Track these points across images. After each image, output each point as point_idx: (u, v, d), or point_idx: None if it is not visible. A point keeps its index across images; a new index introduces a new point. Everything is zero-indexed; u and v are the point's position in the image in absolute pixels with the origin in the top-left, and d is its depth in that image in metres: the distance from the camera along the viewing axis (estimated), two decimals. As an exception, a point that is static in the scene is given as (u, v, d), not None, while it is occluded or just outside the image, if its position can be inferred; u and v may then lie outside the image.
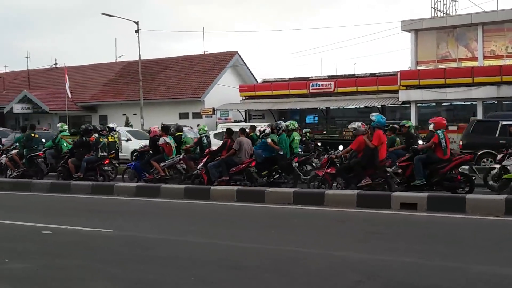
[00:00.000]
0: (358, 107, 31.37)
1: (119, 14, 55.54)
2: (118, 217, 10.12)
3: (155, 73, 39.37)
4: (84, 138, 14.92)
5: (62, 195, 13.13)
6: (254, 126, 15.44)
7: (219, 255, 6.74)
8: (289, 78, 35.99)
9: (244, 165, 13.08)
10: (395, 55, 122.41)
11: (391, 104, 30.35)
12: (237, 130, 14.43)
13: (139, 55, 32.77)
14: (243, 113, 35.58)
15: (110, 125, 17.82)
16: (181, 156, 14.62)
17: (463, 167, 11.81)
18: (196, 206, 11.17)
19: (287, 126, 14.27)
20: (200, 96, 35.54)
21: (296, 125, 15.29)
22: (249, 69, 39.90)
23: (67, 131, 17.43)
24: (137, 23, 31.86)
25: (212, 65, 38.29)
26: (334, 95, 32.64)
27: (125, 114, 36.38)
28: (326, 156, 12.76)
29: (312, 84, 33.44)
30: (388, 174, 11.53)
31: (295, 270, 5.96)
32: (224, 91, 35.53)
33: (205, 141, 14.99)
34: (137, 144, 19.98)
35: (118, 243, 7.58)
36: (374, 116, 11.96)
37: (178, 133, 15.78)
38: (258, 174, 13.20)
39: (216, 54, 39.98)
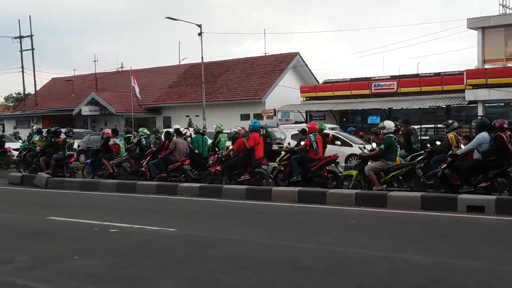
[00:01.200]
0: (422, 107, 30.67)
1: (183, 17, 56.64)
2: (181, 217, 10.31)
3: (217, 75, 39.85)
4: (52, 139, 16.81)
5: (128, 194, 13.50)
6: (179, 130, 16.50)
7: (282, 255, 6.75)
8: (351, 79, 35.65)
9: (179, 163, 14.68)
10: (461, 54, 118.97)
11: (457, 104, 29.56)
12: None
13: (202, 57, 33.30)
14: (304, 114, 35.50)
15: (175, 126, 18.16)
16: (126, 156, 16.45)
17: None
18: (258, 206, 11.21)
19: (215, 127, 16.51)
20: (261, 98, 35.71)
21: (222, 127, 16.74)
22: (310, 70, 39.79)
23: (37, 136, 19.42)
24: (200, 26, 32.40)
25: (273, 66, 38.40)
26: (397, 95, 32.11)
27: (188, 116, 37.02)
28: (216, 156, 14.63)
29: (375, 84, 33.02)
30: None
31: (359, 273, 5.90)
32: (285, 92, 35.56)
33: (144, 142, 16.30)
34: None
35: (182, 242, 7.72)
36: (250, 121, 14.14)
37: (128, 135, 18.17)
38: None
39: (277, 55, 40.08)
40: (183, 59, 49.15)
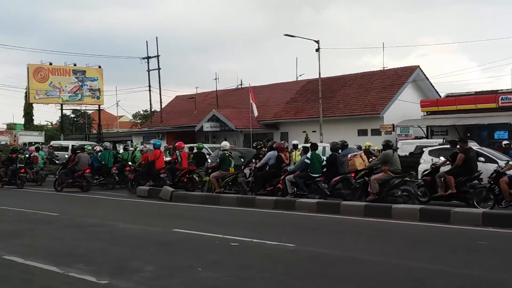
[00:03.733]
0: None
1: (300, 33, 57.16)
2: (300, 232, 10.36)
3: (335, 90, 39.68)
4: (9, 155, 22.64)
5: (248, 209, 13.80)
6: (83, 147, 22.48)
7: (404, 275, 6.58)
8: (476, 92, 33.97)
9: (81, 172, 19.26)
10: None
11: None
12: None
13: (319, 73, 33.40)
14: (425, 129, 34.31)
15: (293, 142, 18.38)
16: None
17: None
18: (375, 224, 11.01)
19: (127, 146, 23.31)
20: (379, 113, 35.04)
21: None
22: (431, 84, 38.46)
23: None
24: (317, 42, 32.52)
25: (392, 80, 37.58)
26: (527, 109, 30.10)
27: (305, 131, 37.16)
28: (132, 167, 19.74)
29: (502, 97, 31.17)
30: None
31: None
32: (404, 107, 34.63)
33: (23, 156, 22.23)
34: None
35: (301, 258, 7.76)
36: (152, 140, 19.85)
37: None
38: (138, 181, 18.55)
39: (396, 69, 39.20)
40: (300, 75, 49.55)
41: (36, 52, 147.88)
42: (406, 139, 30.81)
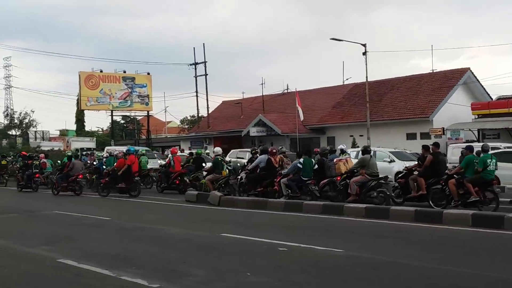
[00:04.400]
0: None
1: (346, 37, 56.72)
2: (349, 237, 10.28)
3: (382, 94, 39.22)
4: (26, 161, 24.81)
5: (295, 214, 13.77)
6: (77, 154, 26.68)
7: (455, 282, 6.44)
8: (530, 94, 32.99)
9: (74, 177, 20.90)
10: None
11: None
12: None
13: (366, 76, 33.07)
14: (476, 133, 33.49)
15: (340, 147, 18.29)
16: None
17: None
18: (427, 230, 10.82)
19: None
20: (429, 116, 34.44)
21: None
22: (482, 86, 37.56)
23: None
24: (364, 45, 32.26)
25: (441, 83, 36.87)
26: None
27: (352, 136, 36.85)
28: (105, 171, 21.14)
29: (559, 99, 30.15)
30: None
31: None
32: (454, 110, 33.94)
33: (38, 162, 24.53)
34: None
35: (350, 263, 7.70)
36: (128, 147, 22.70)
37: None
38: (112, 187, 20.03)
39: (445, 72, 38.48)
40: (347, 79, 49.27)
41: (86, 60, 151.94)
42: (457, 143, 30.14)
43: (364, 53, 32.32)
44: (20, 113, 60.42)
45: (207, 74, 51.21)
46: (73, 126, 69.73)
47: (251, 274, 7.09)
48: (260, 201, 15.52)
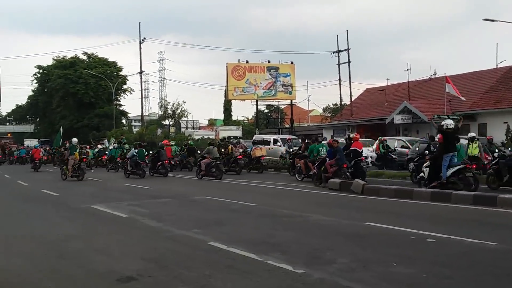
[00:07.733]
0: None
1: (501, 17, 52.90)
2: (502, 230, 9.67)
3: (542, 77, 36.11)
4: (159, 149, 28.08)
5: (442, 204, 13.22)
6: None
7: None
8: None
9: (160, 162, 26.41)
10: None
11: None
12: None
13: (523, 58, 30.63)
14: None
15: (469, 135, 17.74)
16: None
17: None
18: None
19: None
20: None
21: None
22: None
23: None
24: (520, 24, 29.87)
25: None
26: None
27: (506, 122, 34.41)
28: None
29: None
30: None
31: None
32: None
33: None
34: None
35: (504, 258, 7.26)
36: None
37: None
38: None
39: None
40: (501, 62, 46.03)
41: (232, 52, 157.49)
42: None
43: (521, 33, 29.97)
44: (173, 104, 64.22)
45: (350, 62, 50.60)
46: (220, 116, 72.76)
47: (397, 264, 6.95)
48: (405, 191, 15.10)
